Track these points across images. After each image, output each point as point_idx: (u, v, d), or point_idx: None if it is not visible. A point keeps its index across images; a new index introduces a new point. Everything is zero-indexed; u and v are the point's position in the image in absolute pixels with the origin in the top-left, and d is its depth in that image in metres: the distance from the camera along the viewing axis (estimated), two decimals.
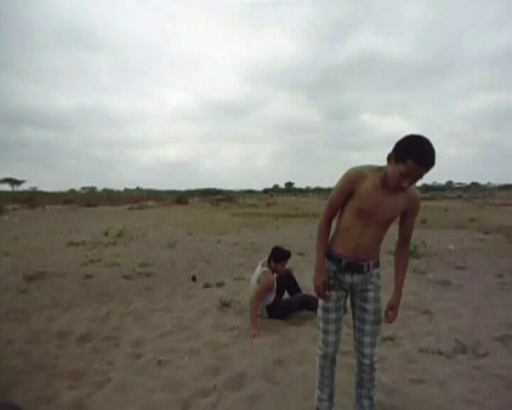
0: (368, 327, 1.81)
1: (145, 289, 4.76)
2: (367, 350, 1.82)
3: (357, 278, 1.79)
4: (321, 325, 1.88)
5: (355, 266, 1.77)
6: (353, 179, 1.68)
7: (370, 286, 1.81)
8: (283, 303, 3.66)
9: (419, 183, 1.64)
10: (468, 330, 3.26)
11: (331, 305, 1.83)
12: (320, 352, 1.91)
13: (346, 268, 1.78)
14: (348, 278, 1.80)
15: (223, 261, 6.63)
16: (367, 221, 1.70)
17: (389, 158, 1.62)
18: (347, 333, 3.15)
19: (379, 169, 1.68)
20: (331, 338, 1.86)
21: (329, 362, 1.91)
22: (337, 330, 1.87)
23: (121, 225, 12.39)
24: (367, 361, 1.84)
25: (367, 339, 1.82)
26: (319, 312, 1.88)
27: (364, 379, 1.87)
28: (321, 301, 1.86)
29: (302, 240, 9.07)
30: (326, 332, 1.86)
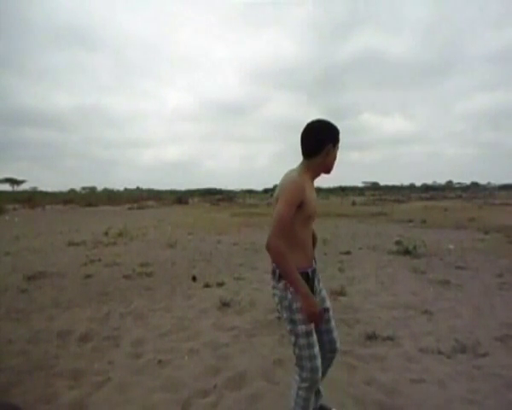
0: (332, 323, 1.83)
1: (145, 289, 4.77)
2: (338, 344, 1.85)
3: (317, 282, 1.77)
4: (306, 352, 1.63)
5: (314, 271, 1.75)
6: (303, 188, 1.59)
7: (321, 284, 1.82)
8: None
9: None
10: (468, 329, 3.26)
11: (313, 325, 1.64)
12: (307, 384, 1.65)
13: (312, 278, 1.72)
14: (317, 286, 1.77)
15: (223, 261, 6.63)
16: (311, 224, 1.72)
17: (317, 151, 1.66)
18: (347, 333, 3.15)
19: (302, 170, 1.69)
20: (318, 362, 1.66)
21: (315, 392, 1.75)
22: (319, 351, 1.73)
23: (121, 225, 12.40)
24: (336, 354, 1.87)
25: (335, 333, 1.84)
26: (301, 340, 1.63)
27: (329, 366, 1.89)
28: (302, 328, 1.61)
29: None
30: (313, 358, 1.64)
